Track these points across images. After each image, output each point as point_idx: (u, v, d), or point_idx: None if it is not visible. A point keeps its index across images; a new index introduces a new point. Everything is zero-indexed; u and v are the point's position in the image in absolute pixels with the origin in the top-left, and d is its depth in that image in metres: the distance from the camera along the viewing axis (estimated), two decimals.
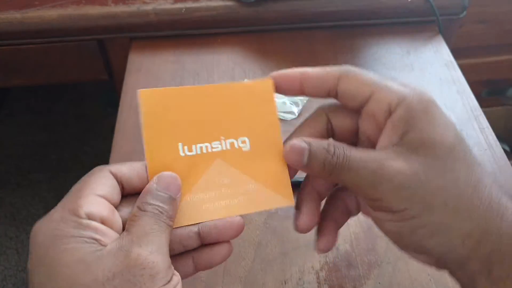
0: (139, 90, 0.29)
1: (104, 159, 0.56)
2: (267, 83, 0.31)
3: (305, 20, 0.67)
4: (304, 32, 0.67)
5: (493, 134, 0.54)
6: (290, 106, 0.56)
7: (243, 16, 0.66)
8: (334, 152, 0.27)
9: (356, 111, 0.30)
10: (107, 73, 0.71)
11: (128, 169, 0.28)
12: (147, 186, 0.27)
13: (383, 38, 0.67)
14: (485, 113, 0.56)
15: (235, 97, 0.30)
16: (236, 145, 0.30)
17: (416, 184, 0.26)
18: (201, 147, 0.30)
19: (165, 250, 0.26)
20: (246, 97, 0.31)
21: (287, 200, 0.30)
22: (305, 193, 0.31)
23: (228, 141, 0.30)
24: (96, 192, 0.26)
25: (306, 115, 0.55)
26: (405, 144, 0.27)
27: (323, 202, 0.32)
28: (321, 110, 0.31)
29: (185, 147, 0.29)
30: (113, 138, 0.54)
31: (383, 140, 0.28)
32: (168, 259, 0.26)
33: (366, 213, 0.32)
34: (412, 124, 0.27)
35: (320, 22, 0.67)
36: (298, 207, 0.31)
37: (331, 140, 0.28)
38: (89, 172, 0.28)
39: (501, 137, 0.55)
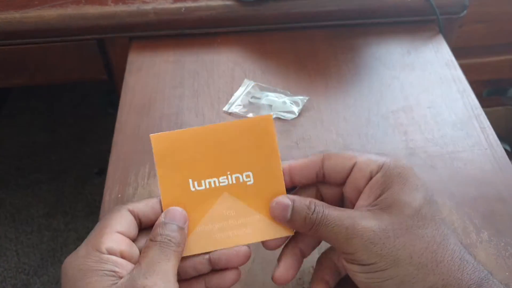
0: (150, 135, 0.32)
1: (104, 159, 0.56)
2: (267, 118, 0.33)
3: (305, 19, 0.67)
4: (304, 32, 0.67)
5: (494, 133, 0.54)
6: (290, 106, 0.56)
7: (243, 16, 0.66)
8: (314, 209, 0.31)
9: (341, 183, 0.33)
10: (107, 73, 0.71)
11: (144, 205, 0.32)
12: (157, 221, 0.31)
13: (384, 37, 0.67)
14: (486, 113, 0.56)
15: (239, 134, 0.33)
16: (241, 179, 0.33)
17: (385, 240, 0.29)
18: (209, 182, 0.33)
19: (171, 277, 0.29)
20: (248, 133, 0.33)
21: (287, 230, 0.33)
22: (288, 248, 0.34)
23: (234, 176, 0.33)
24: (116, 229, 0.30)
25: (306, 114, 0.55)
26: (378, 204, 0.30)
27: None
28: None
29: (195, 183, 0.32)
30: (113, 138, 0.54)
31: (361, 201, 0.32)
32: (174, 285, 0.29)
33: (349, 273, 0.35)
34: (387, 187, 0.30)
35: (320, 21, 0.67)
36: (279, 259, 0.34)
37: (312, 199, 0.32)
38: (109, 211, 0.32)
39: (502, 137, 0.55)
